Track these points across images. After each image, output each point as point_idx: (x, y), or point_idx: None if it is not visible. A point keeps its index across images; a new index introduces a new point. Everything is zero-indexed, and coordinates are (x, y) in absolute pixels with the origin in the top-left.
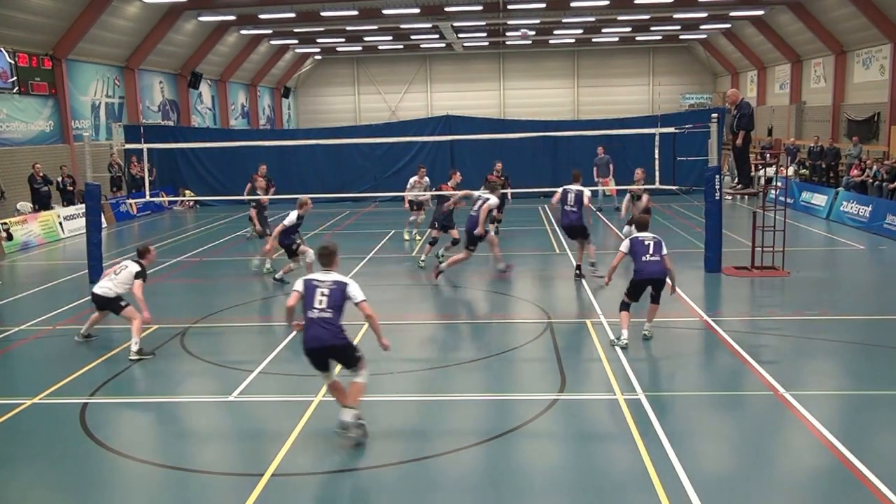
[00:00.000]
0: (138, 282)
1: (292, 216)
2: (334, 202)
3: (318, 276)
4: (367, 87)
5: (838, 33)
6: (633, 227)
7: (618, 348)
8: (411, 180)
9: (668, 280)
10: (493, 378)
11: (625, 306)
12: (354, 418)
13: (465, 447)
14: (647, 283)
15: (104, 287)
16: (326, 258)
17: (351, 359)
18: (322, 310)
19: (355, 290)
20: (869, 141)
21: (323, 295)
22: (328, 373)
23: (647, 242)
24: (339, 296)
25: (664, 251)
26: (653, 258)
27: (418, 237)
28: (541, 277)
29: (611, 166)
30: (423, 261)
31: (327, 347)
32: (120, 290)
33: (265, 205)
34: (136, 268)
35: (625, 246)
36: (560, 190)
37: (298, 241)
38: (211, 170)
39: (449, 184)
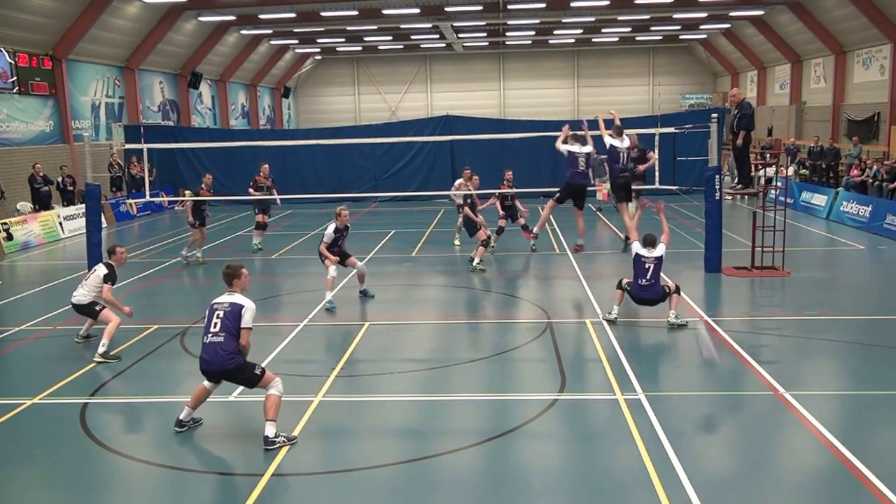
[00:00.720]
0: (107, 286)
1: (329, 230)
2: (334, 202)
3: (221, 298)
4: (367, 87)
5: (838, 33)
6: (641, 241)
7: (618, 348)
8: (457, 182)
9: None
10: (493, 378)
11: (620, 286)
12: (274, 433)
13: (465, 447)
14: (640, 304)
15: (78, 295)
16: (227, 277)
17: (249, 379)
18: (215, 334)
19: (247, 316)
20: (869, 141)
21: (218, 318)
22: (213, 385)
23: (647, 265)
24: (234, 319)
25: (663, 251)
26: (647, 283)
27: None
28: (541, 277)
29: (605, 167)
30: (477, 265)
31: (217, 372)
32: (92, 295)
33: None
34: (103, 270)
35: (634, 249)
36: None
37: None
38: (211, 170)
39: (470, 185)
